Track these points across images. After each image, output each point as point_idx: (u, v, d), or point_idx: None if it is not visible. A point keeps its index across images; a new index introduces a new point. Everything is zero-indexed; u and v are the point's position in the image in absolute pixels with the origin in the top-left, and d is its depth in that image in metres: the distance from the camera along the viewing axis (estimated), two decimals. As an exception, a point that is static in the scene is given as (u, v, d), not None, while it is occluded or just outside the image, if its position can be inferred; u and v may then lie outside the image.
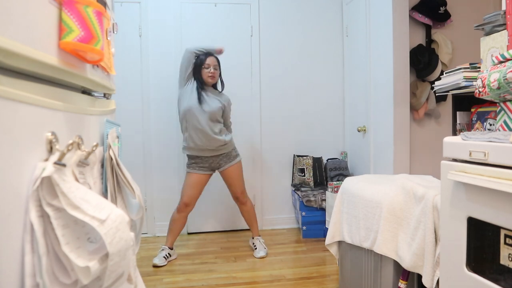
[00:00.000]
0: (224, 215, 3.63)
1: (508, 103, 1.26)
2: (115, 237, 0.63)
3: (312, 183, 3.56)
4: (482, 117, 1.57)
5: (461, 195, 1.19)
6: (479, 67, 1.54)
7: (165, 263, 2.82)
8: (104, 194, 0.91)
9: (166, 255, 2.86)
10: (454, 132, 1.76)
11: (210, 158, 2.91)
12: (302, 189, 3.53)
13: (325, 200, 3.32)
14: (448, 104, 2.99)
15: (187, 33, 3.53)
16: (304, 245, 3.22)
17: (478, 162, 1.12)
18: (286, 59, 3.71)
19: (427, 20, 2.91)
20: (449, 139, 1.26)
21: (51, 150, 0.64)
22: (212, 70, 2.85)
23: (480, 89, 1.27)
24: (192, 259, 2.93)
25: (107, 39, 0.92)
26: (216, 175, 3.22)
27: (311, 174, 3.56)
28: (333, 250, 2.17)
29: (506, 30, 1.36)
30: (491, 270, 1.10)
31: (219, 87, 3.03)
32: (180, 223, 2.92)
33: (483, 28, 1.49)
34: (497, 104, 1.31)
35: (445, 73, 1.70)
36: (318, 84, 3.77)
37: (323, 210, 3.35)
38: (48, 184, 0.59)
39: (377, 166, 3.14)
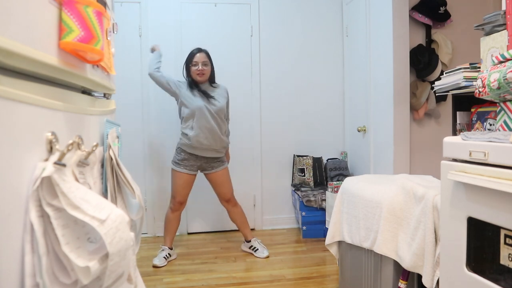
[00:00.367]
0: (224, 215, 3.63)
1: (508, 103, 1.26)
2: (115, 237, 0.63)
3: (312, 183, 3.56)
4: (482, 117, 1.57)
5: (461, 195, 1.19)
6: (479, 67, 1.54)
7: (165, 263, 2.82)
8: (104, 194, 0.91)
9: (166, 255, 2.85)
10: (454, 132, 1.76)
11: (205, 159, 2.88)
12: (302, 189, 3.53)
13: (325, 200, 3.32)
14: (448, 104, 2.99)
15: (187, 33, 3.53)
16: (304, 245, 3.22)
17: (478, 162, 1.12)
18: (286, 59, 3.71)
19: (427, 20, 2.91)
20: (449, 139, 1.26)
21: (51, 150, 0.64)
22: (200, 67, 2.80)
23: (480, 89, 1.27)
24: (192, 259, 2.93)
25: (107, 39, 0.92)
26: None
27: (311, 174, 3.56)
28: (333, 250, 2.17)
29: (506, 30, 1.36)
30: (491, 270, 1.10)
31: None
32: (176, 222, 2.92)
33: (483, 28, 1.49)
34: (497, 104, 1.31)
35: (445, 73, 1.70)
36: (318, 84, 3.77)
37: (323, 210, 3.35)
38: (48, 184, 0.59)
39: (377, 166, 3.14)
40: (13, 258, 0.54)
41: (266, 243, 3.23)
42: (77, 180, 0.71)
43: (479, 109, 1.60)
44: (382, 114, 3.02)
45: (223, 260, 2.90)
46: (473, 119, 1.63)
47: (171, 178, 2.92)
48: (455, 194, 1.22)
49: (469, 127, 1.69)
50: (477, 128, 1.60)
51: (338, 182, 3.24)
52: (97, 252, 0.64)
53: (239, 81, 3.62)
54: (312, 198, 3.35)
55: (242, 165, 3.65)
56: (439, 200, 1.39)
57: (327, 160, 3.71)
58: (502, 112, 1.29)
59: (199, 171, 2.95)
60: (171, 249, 2.92)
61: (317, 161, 3.61)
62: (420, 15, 2.90)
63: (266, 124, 3.69)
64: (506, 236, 1.04)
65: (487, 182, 1.04)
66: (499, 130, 1.29)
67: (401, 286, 1.68)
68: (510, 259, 1.03)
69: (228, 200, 3.00)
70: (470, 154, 1.14)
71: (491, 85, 1.20)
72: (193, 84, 2.85)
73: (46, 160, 0.62)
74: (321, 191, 3.44)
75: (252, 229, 3.67)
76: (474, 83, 1.43)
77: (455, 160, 1.24)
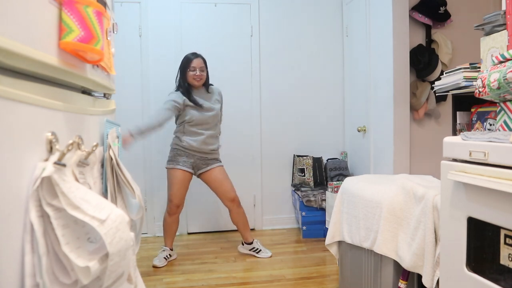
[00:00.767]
0: (224, 215, 3.63)
1: (508, 103, 1.26)
2: (115, 237, 0.63)
3: (312, 183, 3.56)
4: (482, 117, 1.57)
5: (461, 195, 1.19)
6: (479, 67, 1.54)
7: (165, 263, 2.82)
8: (104, 194, 0.91)
9: (166, 256, 2.86)
10: (454, 132, 1.76)
11: (198, 156, 2.87)
12: (302, 189, 3.53)
13: (325, 200, 3.32)
14: (448, 104, 2.99)
15: (187, 33, 3.53)
16: (304, 245, 3.22)
17: (478, 162, 1.12)
18: (286, 59, 3.71)
19: (427, 20, 2.90)
20: (449, 139, 1.26)
21: (51, 150, 0.64)
22: (198, 73, 2.80)
23: (480, 89, 1.27)
24: (192, 259, 2.93)
25: (107, 39, 0.92)
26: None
27: (311, 174, 3.56)
28: (333, 250, 2.17)
29: (506, 30, 1.36)
30: (491, 270, 1.10)
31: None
32: (175, 225, 2.90)
33: (483, 28, 1.49)
34: (497, 104, 1.31)
35: (445, 73, 1.70)
36: (318, 84, 3.77)
37: (323, 210, 3.34)
38: (48, 184, 0.59)
39: (377, 166, 3.14)
40: (13, 258, 0.54)
41: (266, 243, 3.23)
42: (77, 180, 0.71)
43: (479, 109, 1.60)
44: (382, 114, 3.02)
45: (223, 260, 2.90)
46: (473, 119, 1.63)
47: (167, 181, 2.90)
48: (455, 194, 1.22)
49: (469, 127, 1.69)
50: (477, 128, 1.60)
51: (338, 182, 3.24)
52: (97, 252, 0.64)
53: (239, 81, 3.62)
54: (312, 198, 3.34)
55: (242, 165, 3.65)
56: (439, 200, 1.39)
57: (327, 160, 3.71)
58: (502, 112, 1.29)
59: (194, 171, 2.91)
60: (171, 249, 2.92)
61: (317, 161, 3.61)
62: (420, 15, 2.90)
63: (266, 124, 3.69)
64: (506, 236, 1.04)
65: (487, 182, 1.04)
66: (499, 130, 1.29)
67: (401, 286, 1.68)
68: (510, 259, 1.03)
69: (232, 199, 2.91)
70: (470, 154, 1.14)
71: (491, 85, 1.20)
72: (189, 90, 2.83)
73: (46, 160, 0.62)
74: (321, 191, 3.44)
75: (252, 229, 3.67)
76: (474, 83, 1.43)
77: (455, 160, 1.24)
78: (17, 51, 0.53)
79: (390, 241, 1.71)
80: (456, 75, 1.61)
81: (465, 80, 1.55)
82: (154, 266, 2.77)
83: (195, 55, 2.85)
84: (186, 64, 2.83)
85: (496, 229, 1.07)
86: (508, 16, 1.34)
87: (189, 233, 3.58)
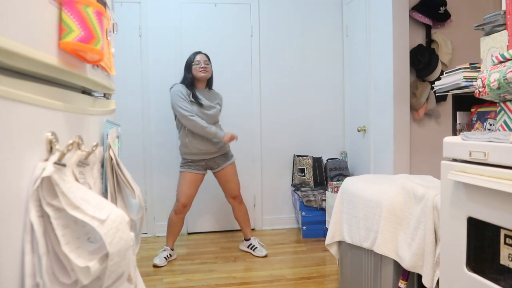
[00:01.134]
0: (224, 215, 3.63)
1: (508, 103, 1.26)
2: (115, 237, 0.63)
3: (312, 183, 3.56)
4: (482, 117, 1.57)
5: (461, 195, 1.19)
6: (479, 67, 1.54)
7: (165, 263, 2.82)
8: (104, 194, 0.91)
9: (167, 255, 2.86)
10: (454, 132, 1.76)
11: (209, 160, 2.92)
12: (302, 189, 3.53)
13: (325, 200, 3.32)
14: (448, 104, 2.99)
15: (187, 33, 3.53)
16: (304, 245, 3.22)
17: (478, 162, 1.12)
18: (286, 59, 3.71)
19: (427, 20, 2.90)
20: (449, 139, 1.26)
21: (51, 150, 0.64)
22: (202, 65, 2.84)
23: (480, 89, 1.27)
24: (192, 259, 2.93)
25: (107, 39, 0.92)
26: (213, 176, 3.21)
27: (311, 174, 3.56)
28: (333, 250, 2.17)
29: (506, 30, 1.36)
30: (491, 270, 1.10)
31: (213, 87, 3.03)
32: (179, 225, 2.92)
33: (483, 28, 1.49)
34: (497, 104, 1.31)
35: (445, 73, 1.70)
36: (318, 84, 3.77)
37: (323, 210, 3.34)
38: (48, 184, 0.59)
39: (377, 166, 3.14)
40: (13, 258, 0.54)
41: (266, 243, 3.23)
42: (77, 180, 0.71)
43: (479, 109, 1.60)
44: (382, 114, 3.02)
45: (223, 260, 2.90)
46: (473, 119, 1.63)
47: (178, 181, 2.93)
48: (455, 194, 1.22)
49: (469, 127, 1.69)
50: (477, 128, 1.60)
51: (338, 182, 3.24)
52: (97, 252, 0.64)
53: (239, 81, 3.62)
54: (312, 198, 3.34)
55: (242, 165, 3.65)
56: (439, 200, 1.39)
57: (327, 160, 3.71)
58: (502, 112, 1.29)
59: (207, 171, 2.97)
60: (172, 249, 2.93)
61: (317, 161, 3.61)
62: (420, 15, 2.90)
63: (266, 124, 3.69)
64: (506, 236, 1.04)
65: (487, 182, 1.04)
66: (499, 130, 1.29)
67: (401, 286, 1.68)
68: (510, 259, 1.03)
69: (235, 196, 3.01)
70: (470, 154, 1.14)
71: (491, 85, 1.20)
72: (191, 88, 2.84)
73: (46, 160, 0.62)
74: (321, 191, 3.44)
75: (252, 229, 3.66)
76: (474, 83, 1.43)
77: (455, 160, 1.24)
78: (17, 51, 0.53)
79: (390, 241, 1.71)
80: (456, 75, 1.61)
81: (465, 80, 1.55)
82: (155, 266, 2.77)
83: (198, 52, 2.91)
84: (190, 60, 2.88)
85: (496, 229, 1.07)
86: (508, 16, 1.34)
87: (189, 233, 3.58)
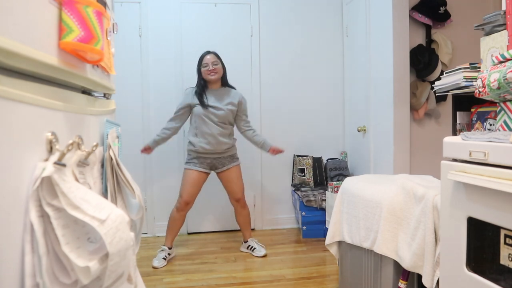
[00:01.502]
0: (224, 215, 3.63)
1: (508, 103, 1.26)
2: (115, 237, 0.63)
3: (312, 183, 3.56)
4: (482, 117, 1.57)
5: (461, 195, 1.19)
6: (479, 67, 1.54)
7: (165, 264, 2.82)
8: (104, 194, 0.91)
9: (165, 256, 2.85)
10: (454, 132, 1.76)
11: (214, 159, 2.93)
12: (302, 189, 3.53)
13: (325, 200, 3.32)
14: (448, 104, 2.99)
15: (187, 33, 3.53)
16: (304, 245, 3.22)
17: (478, 162, 1.12)
18: (286, 59, 3.71)
19: (427, 20, 2.91)
20: (449, 139, 1.26)
21: (51, 150, 0.64)
22: (210, 67, 2.84)
23: (480, 89, 1.27)
24: (192, 259, 2.93)
25: (107, 39, 0.92)
26: (214, 176, 3.21)
27: (311, 174, 3.56)
28: (333, 250, 2.17)
29: (506, 30, 1.36)
30: (491, 270, 1.10)
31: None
32: (180, 222, 2.93)
33: (483, 28, 1.49)
34: (497, 104, 1.31)
35: (445, 73, 1.70)
36: (318, 84, 3.77)
37: (323, 210, 3.34)
38: (48, 184, 0.59)
39: (377, 166, 3.14)
40: (13, 258, 0.54)
41: (266, 243, 3.23)
42: (77, 180, 0.71)
43: (479, 109, 1.60)
44: (382, 114, 3.02)
45: (223, 260, 2.90)
46: (473, 119, 1.63)
47: (182, 178, 2.94)
48: (455, 194, 1.22)
49: (469, 127, 1.69)
50: (477, 128, 1.60)
51: (338, 182, 3.24)
52: (97, 252, 0.64)
53: (239, 81, 3.61)
54: (312, 198, 3.34)
55: (242, 165, 3.64)
56: (439, 200, 1.39)
57: (327, 160, 3.71)
58: (502, 112, 1.29)
59: (212, 170, 2.98)
60: (170, 248, 2.92)
61: (317, 161, 3.61)
62: (420, 15, 2.90)
63: (266, 124, 3.69)
64: (506, 236, 1.04)
65: (487, 182, 1.04)
66: (499, 130, 1.29)
67: (401, 286, 1.68)
68: (510, 259, 1.03)
69: (238, 199, 3.01)
70: (470, 154, 1.14)
71: (491, 85, 1.20)
72: (204, 88, 2.89)
73: (46, 160, 0.62)
74: (321, 191, 3.44)
75: (252, 229, 3.67)
76: (474, 83, 1.43)
77: (455, 160, 1.24)
78: (17, 51, 0.53)
79: (390, 241, 1.71)
80: (456, 75, 1.61)
81: (465, 80, 1.55)
82: (154, 267, 2.77)
83: (207, 52, 2.92)
84: (199, 62, 2.91)
85: (496, 229, 1.07)
86: (508, 16, 1.34)
87: (189, 233, 3.58)
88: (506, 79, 1.14)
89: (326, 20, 3.75)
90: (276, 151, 2.96)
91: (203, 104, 2.84)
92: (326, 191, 3.29)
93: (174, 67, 3.50)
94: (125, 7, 3.41)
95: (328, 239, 2.14)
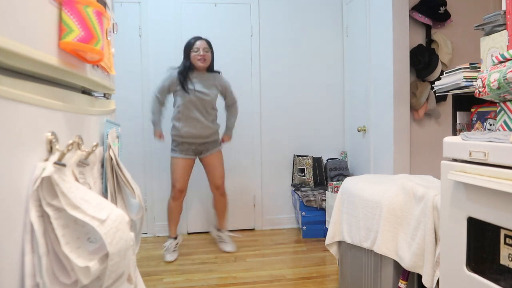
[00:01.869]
0: (224, 215, 3.63)
1: (508, 103, 1.26)
2: (115, 237, 0.63)
3: (312, 183, 3.56)
4: (482, 117, 1.57)
5: (461, 195, 1.19)
6: (479, 67, 1.54)
7: (177, 255, 2.91)
8: (104, 194, 0.91)
9: (174, 247, 2.94)
10: (454, 132, 1.76)
11: (199, 144, 2.93)
12: (302, 189, 3.53)
13: (325, 200, 3.32)
14: (448, 104, 2.99)
15: (187, 33, 3.53)
16: (304, 245, 3.22)
17: (478, 162, 1.12)
18: (286, 59, 3.71)
19: (427, 20, 2.90)
20: (449, 139, 1.26)
21: (51, 150, 0.64)
22: (201, 53, 2.84)
23: (480, 89, 1.27)
24: (192, 259, 2.93)
25: (107, 39, 0.92)
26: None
27: (311, 174, 3.56)
28: (333, 250, 2.17)
29: (506, 30, 1.36)
30: (491, 270, 1.10)
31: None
32: (179, 210, 2.98)
33: (483, 28, 1.49)
34: (497, 104, 1.31)
35: (445, 73, 1.70)
36: (318, 84, 3.77)
37: (323, 210, 3.34)
38: (48, 184, 0.59)
39: (377, 166, 3.14)
40: (13, 258, 0.54)
41: (266, 243, 3.23)
42: (77, 180, 0.71)
43: (479, 109, 1.60)
44: (382, 114, 3.02)
45: (223, 260, 2.90)
46: (473, 119, 1.63)
47: (170, 167, 2.97)
48: (455, 194, 1.22)
49: (469, 127, 1.69)
50: (477, 128, 1.60)
51: (338, 182, 3.24)
52: (97, 252, 0.64)
53: (239, 81, 3.61)
54: (312, 198, 3.34)
55: (242, 165, 3.65)
56: (439, 200, 1.39)
57: (327, 160, 3.71)
58: (502, 112, 1.29)
59: (196, 156, 2.99)
60: (175, 238, 2.99)
61: (317, 161, 3.61)
62: (420, 15, 2.90)
63: (266, 124, 3.69)
64: (506, 236, 1.04)
65: (487, 182, 1.04)
66: (499, 130, 1.29)
67: (401, 286, 1.68)
68: (510, 259, 1.03)
69: (218, 186, 3.03)
70: (470, 154, 1.14)
71: (491, 85, 1.20)
72: (188, 72, 2.86)
73: (46, 160, 0.62)
74: (321, 191, 3.44)
75: (252, 229, 3.67)
76: (474, 83, 1.43)
77: (455, 160, 1.24)
78: (17, 51, 0.53)
79: (390, 241, 1.71)
80: (456, 75, 1.61)
81: (465, 80, 1.55)
82: (168, 262, 2.83)
83: (199, 37, 2.91)
84: (188, 46, 2.89)
85: (496, 229, 1.07)
86: (508, 16, 1.34)
87: (189, 233, 3.58)
88: (506, 79, 1.14)
89: (326, 20, 3.75)
90: (224, 141, 3.11)
91: (187, 89, 2.83)
92: (326, 191, 3.29)
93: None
94: (125, 7, 3.41)
95: (328, 239, 2.14)
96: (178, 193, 2.92)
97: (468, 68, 1.57)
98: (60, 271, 0.61)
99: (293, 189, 3.66)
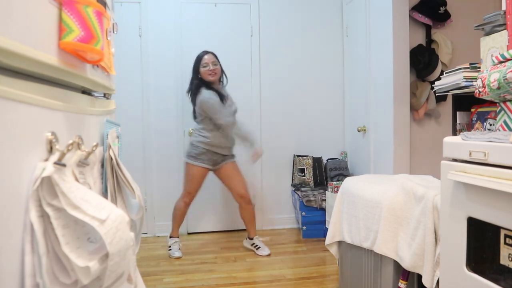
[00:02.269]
0: (224, 215, 3.63)
1: (508, 103, 1.26)
2: (115, 237, 0.63)
3: (312, 183, 3.56)
4: (482, 117, 1.57)
5: (461, 195, 1.19)
6: (479, 67, 1.54)
7: (181, 253, 2.98)
8: (104, 194, 0.91)
9: (179, 246, 3.01)
10: (454, 132, 1.76)
11: (222, 155, 2.97)
12: (302, 189, 3.52)
13: (325, 200, 3.32)
14: (448, 104, 2.99)
15: (187, 33, 3.53)
16: (304, 245, 3.22)
17: (478, 162, 1.12)
18: (286, 59, 3.71)
19: (427, 20, 2.91)
20: (449, 139, 1.26)
21: (51, 150, 0.64)
22: (211, 68, 2.85)
23: (480, 89, 1.27)
24: (192, 259, 2.93)
25: (107, 39, 0.92)
26: (213, 176, 3.20)
27: (311, 174, 3.56)
28: (333, 250, 2.17)
29: (506, 30, 1.36)
30: (491, 270, 1.10)
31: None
32: (184, 212, 3.02)
33: (483, 28, 1.49)
34: (497, 104, 1.31)
35: (445, 73, 1.70)
36: (318, 84, 3.77)
37: (323, 210, 3.34)
38: (48, 184, 0.59)
39: (377, 166, 3.14)
40: (13, 258, 0.54)
41: (266, 243, 3.23)
42: (77, 180, 0.71)
43: (479, 109, 1.60)
44: (382, 114, 3.02)
45: (223, 260, 2.90)
46: (473, 119, 1.63)
47: (184, 172, 2.98)
48: (455, 194, 1.22)
49: (469, 127, 1.69)
50: (477, 128, 1.60)
51: (338, 182, 3.24)
52: (97, 252, 0.64)
53: (239, 81, 3.61)
54: (312, 198, 3.34)
55: (242, 165, 3.64)
56: (439, 200, 1.39)
57: (327, 160, 3.71)
58: (502, 112, 1.29)
59: (212, 167, 3.00)
60: (177, 237, 3.05)
61: (317, 161, 3.61)
62: (420, 15, 2.90)
63: (266, 124, 3.69)
64: (506, 236, 1.04)
65: (487, 182, 1.04)
66: (499, 130, 1.29)
67: (401, 286, 1.68)
68: (510, 259, 1.03)
69: (241, 195, 3.00)
70: (470, 154, 1.14)
71: (491, 85, 1.20)
72: (207, 85, 2.89)
73: (46, 160, 0.62)
74: (321, 191, 3.44)
75: (252, 229, 3.67)
76: (474, 83, 1.43)
77: (455, 160, 1.23)
78: (17, 51, 0.53)
79: (390, 241, 1.71)
80: (456, 75, 1.61)
81: (465, 80, 1.55)
82: (177, 257, 2.92)
83: (205, 52, 2.93)
84: (197, 62, 2.91)
85: (496, 229, 1.07)
86: (508, 16, 1.34)
87: (189, 233, 3.58)
88: (506, 79, 1.14)
89: (326, 20, 3.75)
90: (257, 155, 3.11)
91: (224, 98, 2.87)
92: (326, 191, 3.29)
93: (174, 67, 3.50)
94: (125, 7, 3.41)
95: (328, 239, 2.14)
96: (190, 199, 2.98)
97: (468, 68, 1.57)
98: (60, 271, 0.61)
99: (293, 189, 3.66)
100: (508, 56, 1.20)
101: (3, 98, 0.51)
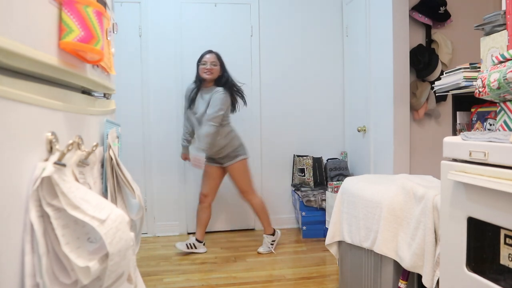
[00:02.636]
0: (224, 215, 3.63)
1: (508, 103, 1.26)
2: (115, 237, 0.63)
3: (312, 183, 3.56)
4: (482, 117, 1.57)
5: (461, 195, 1.19)
6: (479, 67, 1.54)
7: (186, 250, 2.96)
8: (104, 194, 0.91)
9: (189, 244, 2.99)
10: (454, 132, 1.76)
11: (217, 158, 3.00)
12: (302, 189, 3.52)
13: (325, 200, 3.32)
14: (448, 104, 2.99)
15: (187, 33, 3.53)
16: (304, 245, 3.22)
17: (478, 162, 1.12)
18: (286, 59, 3.71)
19: (427, 20, 2.90)
20: (449, 139, 1.26)
21: (51, 150, 0.64)
22: (208, 66, 2.86)
23: (480, 89, 1.27)
24: (192, 259, 2.93)
25: (107, 39, 0.92)
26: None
27: (311, 174, 3.56)
28: (333, 250, 2.17)
29: (506, 30, 1.36)
30: (491, 270, 1.10)
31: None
32: (203, 213, 3.04)
33: (483, 28, 1.49)
34: (497, 104, 1.31)
35: (445, 73, 1.70)
36: (318, 84, 3.77)
37: (323, 210, 3.34)
38: (48, 184, 0.59)
39: (377, 166, 3.14)
40: (13, 258, 0.54)
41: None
42: (77, 180, 0.71)
43: (479, 109, 1.60)
44: (382, 114, 3.02)
45: (223, 260, 2.90)
46: (473, 119, 1.63)
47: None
48: (455, 194, 1.22)
49: (469, 127, 1.69)
50: (477, 128, 1.60)
51: (338, 182, 3.24)
52: (97, 252, 0.64)
53: (239, 81, 3.61)
54: (312, 198, 3.34)
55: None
56: (439, 200, 1.39)
57: (327, 160, 3.71)
58: (502, 112, 1.29)
59: (219, 164, 3.03)
60: (200, 241, 3.03)
61: (317, 161, 3.61)
62: (420, 15, 2.90)
63: (266, 124, 3.69)
64: (506, 236, 1.04)
65: (487, 182, 1.04)
66: (499, 130, 1.29)
67: (401, 286, 1.68)
68: (510, 259, 1.03)
69: (242, 194, 3.07)
70: (470, 154, 1.14)
71: (491, 85, 1.20)
72: (199, 85, 2.93)
73: (46, 160, 0.62)
74: (321, 191, 3.44)
75: (252, 229, 3.67)
76: (474, 83, 1.43)
77: (455, 160, 1.23)
78: (17, 51, 0.53)
79: (390, 241, 1.71)
80: (456, 75, 1.61)
81: (465, 80, 1.55)
82: (179, 250, 2.95)
83: (209, 51, 2.95)
84: (199, 59, 2.93)
85: (496, 229, 1.07)
86: (508, 16, 1.34)
87: (189, 233, 3.58)
88: (506, 79, 1.14)
89: (326, 20, 3.75)
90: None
91: (190, 104, 2.99)
92: (326, 191, 3.29)
93: (174, 67, 3.50)
94: (125, 7, 3.41)
95: (328, 239, 2.14)
96: (202, 197, 3.03)
97: (468, 68, 1.57)
98: (60, 271, 0.61)
99: (293, 189, 3.66)
100: (508, 56, 1.20)
101: (3, 98, 0.51)
